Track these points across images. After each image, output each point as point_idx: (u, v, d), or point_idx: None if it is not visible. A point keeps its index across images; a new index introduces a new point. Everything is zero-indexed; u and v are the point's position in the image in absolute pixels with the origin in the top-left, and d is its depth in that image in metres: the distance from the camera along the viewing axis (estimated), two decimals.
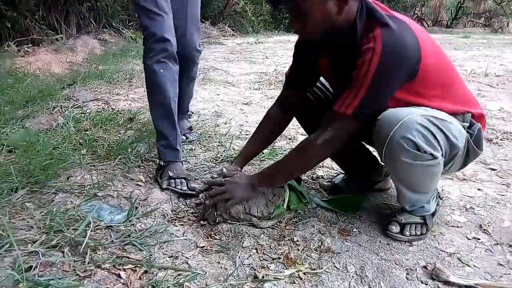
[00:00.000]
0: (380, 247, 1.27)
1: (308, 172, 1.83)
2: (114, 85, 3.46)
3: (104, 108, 2.72)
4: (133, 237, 1.21)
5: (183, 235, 1.28)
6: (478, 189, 1.72)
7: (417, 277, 1.13)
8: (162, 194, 1.53)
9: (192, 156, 1.96)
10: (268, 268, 1.14)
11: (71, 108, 2.58)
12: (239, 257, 1.18)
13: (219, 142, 2.18)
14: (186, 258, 1.16)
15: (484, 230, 1.39)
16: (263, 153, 2.00)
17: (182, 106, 2.17)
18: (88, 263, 1.08)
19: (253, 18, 9.67)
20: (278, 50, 6.62)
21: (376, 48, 1.08)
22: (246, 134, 2.31)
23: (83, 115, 2.40)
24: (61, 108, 2.56)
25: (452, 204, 1.57)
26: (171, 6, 1.75)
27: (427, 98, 1.20)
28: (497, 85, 3.96)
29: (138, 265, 1.10)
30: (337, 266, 1.17)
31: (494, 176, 1.86)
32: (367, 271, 1.14)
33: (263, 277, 1.09)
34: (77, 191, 1.49)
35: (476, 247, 1.29)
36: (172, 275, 1.08)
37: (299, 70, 1.43)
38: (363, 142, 1.59)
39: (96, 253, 1.13)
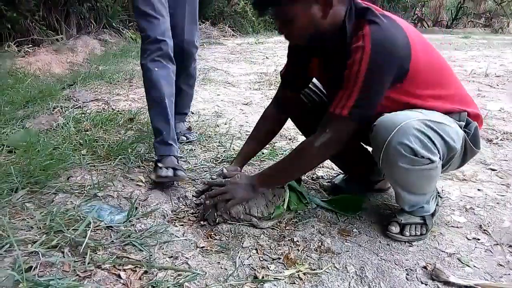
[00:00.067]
0: (380, 248, 1.27)
1: (308, 173, 1.83)
2: (114, 85, 3.47)
3: (104, 109, 2.72)
4: (133, 238, 1.21)
5: (183, 235, 1.28)
6: (478, 190, 1.72)
7: (417, 278, 1.13)
8: (162, 195, 1.53)
9: (192, 157, 1.96)
10: (268, 268, 1.14)
11: (71, 108, 2.59)
12: (239, 257, 1.18)
13: (219, 142, 2.18)
14: (186, 258, 1.16)
15: (484, 230, 1.39)
16: (263, 153, 2.00)
17: (181, 106, 2.18)
18: (88, 263, 1.08)
19: (253, 18, 9.68)
20: (278, 51, 6.62)
21: (366, 46, 1.08)
22: (246, 134, 2.31)
23: (83, 115, 2.40)
24: (61, 108, 2.57)
25: (452, 205, 1.57)
26: (171, 3, 1.80)
27: (421, 98, 1.20)
28: (497, 85, 3.96)
29: (138, 266, 1.10)
30: (337, 266, 1.17)
31: (494, 177, 1.86)
32: (367, 271, 1.14)
33: (263, 277, 1.09)
34: (77, 191, 1.49)
35: (476, 247, 1.29)
36: (172, 276, 1.08)
37: (293, 70, 1.44)
38: (361, 143, 1.59)
39: (96, 253, 1.13)
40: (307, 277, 1.11)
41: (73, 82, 3.37)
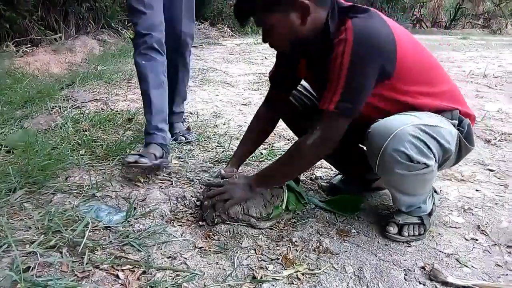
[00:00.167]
0: (378, 248, 1.28)
1: (306, 173, 1.84)
2: (113, 85, 3.46)
3: (102, 109, 2.72)
4: (132, 238, 1.21)
5: (181, 235, 1.28)
6: (476, 190, 1.72)
7: (415, 278, 1.13)
8: (160, 195, 1.53)
9: (190, 157, 1.96)
10: (267, 268, 1.14)
11: (69, 108, 2.59)
12: (238, 257, 1.18)
13: (217, 142, 2.18)
14: (185, 258, 1.16)
15: (482, 231, 1.39)
16: (261, 153, 2.00)
17: (177, 104, 2.23)
18: (86, 263, 1.08)
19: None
20: None
21: (348, 38, 1.07)
22: None
23: (81, 115, 2.40)
24: (60, 108, 2.56)
25: (450, 205, 1.58)
26: None
27: (411, 95, 1.20)
28: (496, 86, 3.97)
29: (136, 266, 1.10)
30: (336, 266, 1.17)
31: (492, 177, 1.86)
32: (365, 271, 1.14)
33: (261, 277, 1.09)
34: (75, 191, 1.49)
35: (474, 247, 1.30)
36: (170, 276, 1.08)
37: (281, 72, 1.45)
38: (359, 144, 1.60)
39: (94, 253, 1.13)
40: (306, 277, 1.11)
41: (71, 82, 3.37)
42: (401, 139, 1.11)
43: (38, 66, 3.82)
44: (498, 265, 1.21)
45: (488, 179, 1.84)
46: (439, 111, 1.23)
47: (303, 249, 1.24)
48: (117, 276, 1.05)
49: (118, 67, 4.26)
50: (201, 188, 1.59)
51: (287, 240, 1.29)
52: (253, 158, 1.93)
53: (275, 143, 2.21)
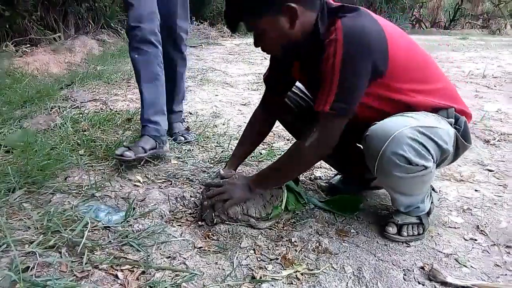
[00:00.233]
0: (378, 248, 1.28)
1: (306, 173, 1.84)
2: (112, 85, 3.46)
3: (102, 109, 2.72)
4: (131, 238, 1.21)
5: (180, 235, 1.27)
6: (476, 190, 1.72)
7: (414, 278, 1.13)
8: (160, 195, 1.53)
9: (190, 157, 1.96)
10: (266, 268, 1.14)
11: (69, 108, 2.58)
12: (237, 257, 1.18)
13: (217, 142, 2.18)
14: (184, 258, 1.16)
15: (481, 231, 1.39)
16: (261, 153, 2.00)
17: (176, 102, 2.25)
18: (86, 263, 1.08)
19: None
20: None
21: (338, 38, 1.07)
22: None
23: (81, 115, 2.39)
24: (59, 108, 2.56)
25: (449, 205, 1.58)
26: None
27: (405, 93, 1.20)
28: (495, 86, 3.97)
29: (135, 266, 1.10)
30: (335, 266, 1.17)
31: (492, 177, 1.86)
32: (365, 271, 1.15)
33: (260, 277, 1.09)
34: (74, 191, 1.49)
35: (473, 248, 1.30)
36: (169, 276, 1.08)
37: (275, 74, 1.46)
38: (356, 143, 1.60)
39: (93, 253, 1.13)
40: (305, 277, 1.11)
41: (71, 82, 3.36)
42: (399, 142, 1.10)
43: (37, 66, 3.81)
44: (497, 265, 1.21)
45: (487, 179, 1.84)
46: (434, 109, 1.23)
47: (302, 249, 1.24)
48: (116, 276, 1.05)
49: (117, 67, 4.26)
50: (200, 188, 1.59)
51: (286, 240, 1.29)
52: (253, 158, 1.93)
53: (274, 143, 2.21)
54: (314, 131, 1.18)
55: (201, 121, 2.59)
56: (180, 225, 1.34)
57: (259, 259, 1.18)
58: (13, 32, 4.47)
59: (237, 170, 1.55)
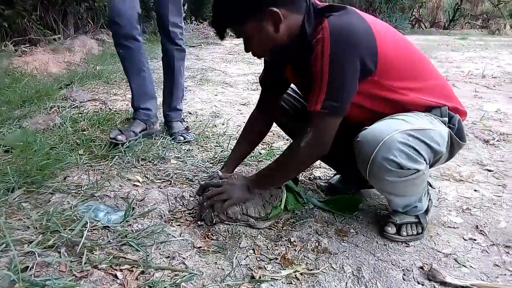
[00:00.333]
0: (377, 248, 1.28)
1: (305, 173, 1.84)
2: (111, 85, 3.46)
3: (101, 108, 2.72)
4: (130, 238, 1.21)
5: (180, 235, 1.27)
6: (475, 190, 1.72)
7: (413, 278, 1.13)
8: (159, 195, 1.53)
9: (189, 157, 1.96)
10: (265, 268, 1.14)
11: (68, 108, 2.58)
12: (236, 257, 1.18)
13: (216, 142, 2.18)
14: (183, 258, 1.16)
15: (481, 231, 1.39)
16: (260, 153, 2.00)
17: (175, 98, 2.27)
18: (85, 263, 1.07)
19: None
20: None
21: (325, 37, 1.07)
22: None
23: (80, 115, 2.39)
24: (58, 108, 2.56)
25: (448, 205, 1.58)
26: None
27: (397, 91, 1.19)
28: (494, 86, 3.98)
29: (135, 266, 1.09)
30: (334, 266, 1.17)
31: (491, 177, 1.87)
32: (364, 271, 1.15)
33: (260, 277, 1.09)
34: (74, 191, 1.49)
35: (472, 248, 1.30)
36: (169, 276, 1.08)
37: (270, 76, 1.46)
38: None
39: (92, 253, 1.13)
40: (304, 277, 1.11)
41: (70, 82, 3.36)
42: (390, 147, 1.10)
43: (36, 65, 3.81)
44: (496, 265, 1.21)
45: (486, 179, 1.85)
46: (427, 108, 1.22)
47: (302, 249, 1.24)
48: (116, 276, 1.05)
49: (116, 67, 4.25)
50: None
51: (285, 240, 1.29)
52: (252, 158, 1.93)
53: (274, 143, 2.21)
54: (308, 131, 1.18)
55: (200, 121, 2.59)
56: (179, 225, 1.34)
57: (258, 259, 1.18)
58: (12, 32, 4.47)
59: (235, 171, 1.55)
